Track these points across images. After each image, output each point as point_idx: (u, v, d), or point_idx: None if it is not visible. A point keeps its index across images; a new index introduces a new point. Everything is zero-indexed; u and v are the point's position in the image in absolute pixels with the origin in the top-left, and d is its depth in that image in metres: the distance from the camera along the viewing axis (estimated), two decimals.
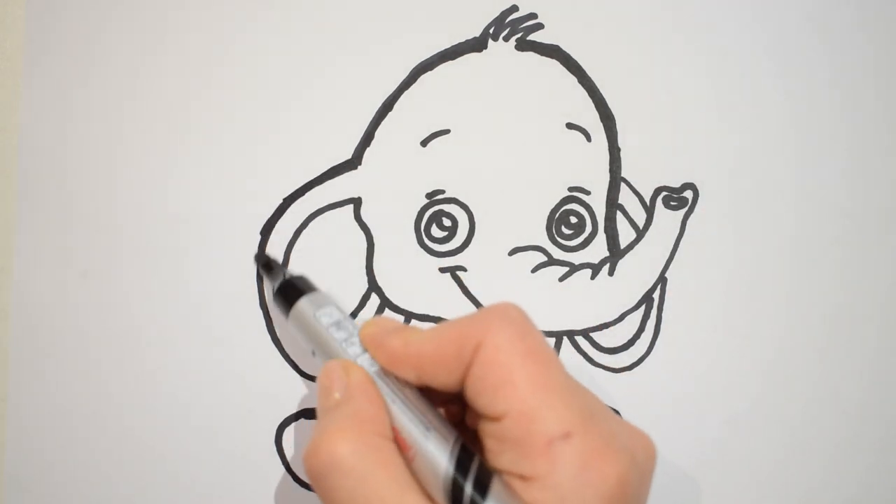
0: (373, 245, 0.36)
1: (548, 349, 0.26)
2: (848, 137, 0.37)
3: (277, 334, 0.35)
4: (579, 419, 0.25)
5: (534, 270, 0.36)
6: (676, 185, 0.36)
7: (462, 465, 0.25)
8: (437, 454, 0.25)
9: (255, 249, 0.35)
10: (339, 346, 0.29)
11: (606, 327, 0.36)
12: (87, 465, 0.35)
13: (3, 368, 0.35)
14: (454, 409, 0.29)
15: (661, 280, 0.36)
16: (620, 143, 0.36)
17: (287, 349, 0.35)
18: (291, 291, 0.32)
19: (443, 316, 0.36)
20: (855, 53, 0.37)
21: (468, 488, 0.24)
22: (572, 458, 0.24)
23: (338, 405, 0.27)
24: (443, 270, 0.36)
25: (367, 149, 0.35)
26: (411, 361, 0.27)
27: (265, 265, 0.34)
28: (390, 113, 0.35)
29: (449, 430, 0.26)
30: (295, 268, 0.35)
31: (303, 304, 0.31)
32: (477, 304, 0.36)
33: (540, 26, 0.36)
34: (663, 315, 0.36)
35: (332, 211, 0.35)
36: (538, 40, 0.36)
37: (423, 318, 0.36)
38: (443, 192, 0.36)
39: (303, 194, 0.35)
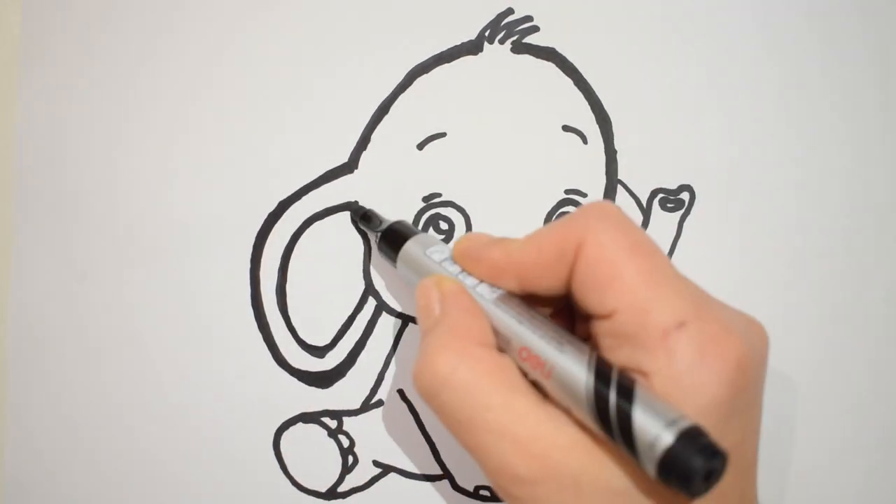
0: (370, 248, 0.36)
1: (651, 242, 0.26)
2: (845, 138, 0.37)
3: (274, 339, 0.35)
4: (692, 307, 0.24)
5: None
6: (673, 186, 0.36)
7: (602, 375, 0.24)
8: (575, 368, 0.24)
9: (251, 252, 0.35)
10: (456, 278, 0.29)
11: None
12: (84, 469, 0.35)
13: (2, 370, 0.35)
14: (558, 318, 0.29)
15: None
16: (617, 145, 0.36)
17: (284, 354, 0.35)
18: (396, 236, 0.32)
19: None
20: (852, 54, 0.37)
21: (612, 397, 0.23)
22: (689, 346, 0.23)
23: (435, 322, 0.27)
24: None
25: (364, 152, 0.35)
26: (514, 270, 0.27)
27: (363, 216, 0.34)
28: (386, 116, 0.35)
29: (581, 343, 0.26)
30: (292, 271, 0.35)
31: (410, 245, 0.31)
32: None
33: (536, 29, 0.36)
34: None
35: (328, 215, 0.35)
36: (534, 43, 0.36)
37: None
38: (439, 195, 0.36)
39: (299, 198, 0.35)
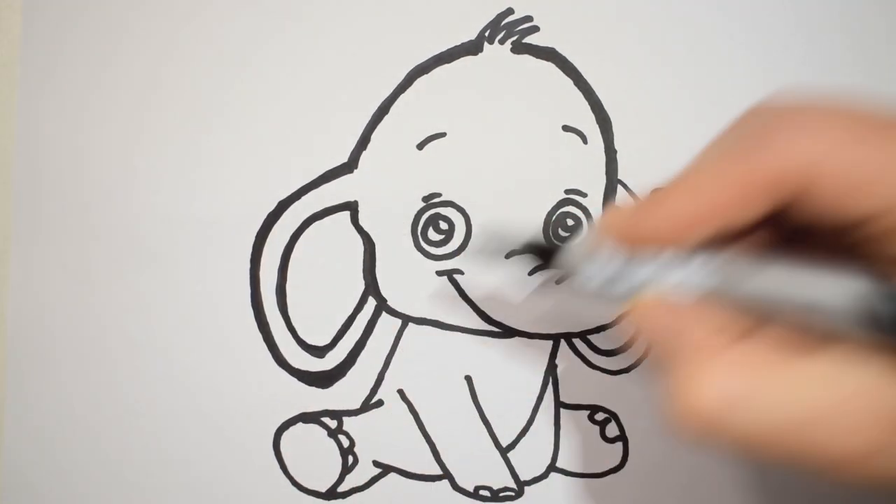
0: (369, 248, 0.36)
1: (885, 115, 0.21)
2: None
3: (274, 339, 0.35)
4: None
5: (531, 273, 0.36)
6: None
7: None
8: (855, 293, 0.20)
9: (251, 252, 0.35)
10: (645, 280, 0.24)
11: (603, 329, 0.36)
12: (84, 469, 0.35)
13: (2, 371, 0.35)
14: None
15: None
16: (617, 145, 0.36)
17: (284, 354, 0.35)
18: (557, 257, 0.27)
19: (441, 319, 0.36)
20: (852, 56, 0.37)
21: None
22: None
23: (674, 348, 0.22)
24: (440, 273, 0.36)
25: (363, 152, 0.35)
26: (705, 218, 0.22)
27: (542, 252, 0.29)
28: (386, 116, 0.35)
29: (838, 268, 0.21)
30: (292, 271, 0.35)
31: (579, 264, 0.26)
32: (474, 306, 0.36)
33: (536, 29, 0.36)
34: None
35: (328, 215, 0.35)
36: (534, 43, 0.36)
37: (421, 321, 0.36)
38: (439, 195, 0.36)
39: (298, 198, 0.35)
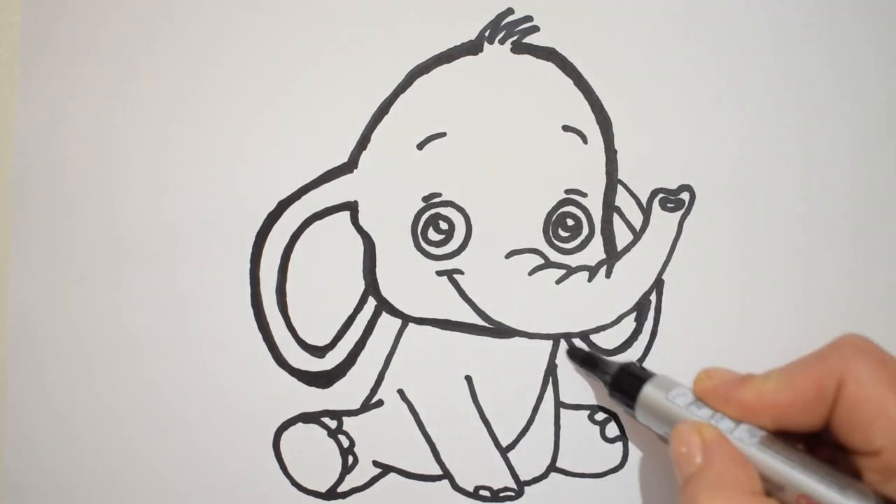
0: (369, 248, 0.36)
1: None
2: (846, 138, 0.37)
3: (274, 339, 0.35)
4: None
5: (531, 273, 0.36)
6: (673, 186, 0.36)
7: None
8: None
9: (251, 252, 0.35)
10: (711, 423, 0.29)
11: (603, 329, 0.36)
12: (83, 469, 0.35)
13: (2, 371, 0.35)
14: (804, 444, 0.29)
15: (658, 282, 0.36)
16: (617, 145, 0.36)
17: (284, 354, 0.35)
18: (631, 380, 0.32)
19: (440, 318, 0.36)
20: (854, 53, 0.37)
21: None
22: None
23: (700, 471, 0.27)
24: (440, 273, 0.36)
25: (363, 152, 0.35)
26: (769, 411, 0.27)
27: (585, 360, 0.34)
28: (386, 116, 0.35)
29: (860, 484, 0.26)
30: (292, 271, 0.35)
31: (651, 391, 0.31)
32: (474, 306, 0.36)
33: (536, 29, 0.36)
34: (660, 317, 0.36)
35: (328, 215, 0.35)
36: (534, 43, 0.36)
37: (421, 321, 0.36)
38: (439, 195, 0.36)
39: (298, 198, 0.35)
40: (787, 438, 0.28)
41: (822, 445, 0.29)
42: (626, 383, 0.32)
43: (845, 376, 0.26)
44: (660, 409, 0.30)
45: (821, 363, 0.27)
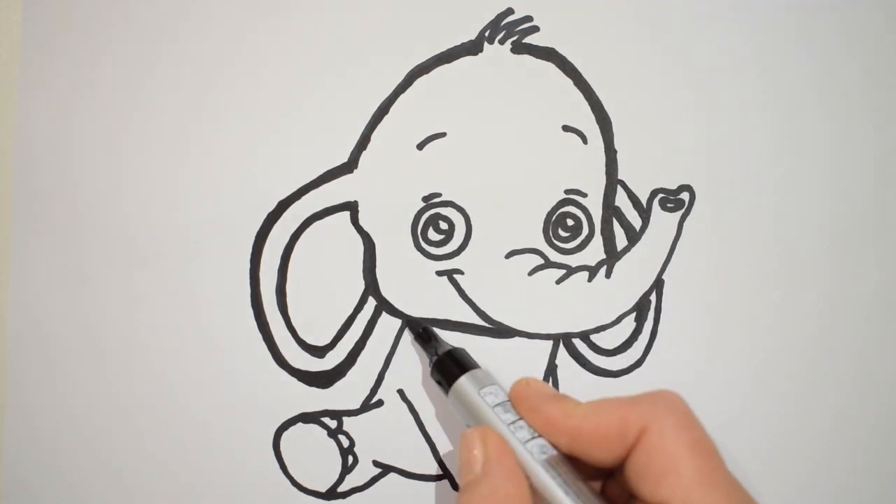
0: (369, 248, 0.36)
1: (711, 443, 0.27)
2: (847, 138, 0.37)
3: (274, 339, 0.35)
4: None
5: (531, 273, 0.36)
6: (673, 186, 0.36)
7: None
8: None
9: (251, 252, 0.35)
10: (506, 428, 0.29)
11: (603, 329, 0.36)
12: (84, 469, 0.35)
13: (2, 371, 0.35)
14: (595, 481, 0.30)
15: (658, 282, 0.36)
16: (617, 145, 0.36)
17: (284, 354, 0.35)
18: (452, 365, 0.32)
19: (440, 318, 0.36)
20: (847, 57, 0.37)
21: None
22: None
23: (476, 481, 0.27)
24: (440, 273, 0.36)
25: (364, 152, 0.35)
26: (570, 432, 0.28)
27: (420, 334, 0.34)
28: (386, 116, 0.35)
29: None
30: (292, 271, 0.35)
31: (465, 381, 0.31)
32: (474, 306, 0.36)
33: (536, 29, 0.36)
34: (660, 317, 0.36)
35: (328, 215, 0.35)
36: (534, 43, 0.36)
37: (420, 321, 0.36)
38: (439, 195, 0.36)
39: (298, 198, 0.35)
40: (580, 468, 0.28)
41: (613, 486, 0.29)
42: (447, 368, 0.32)
43: (650, 425, 0.26)
44: (467, 401, 0.31)
45: (632, 405, 0.27)
